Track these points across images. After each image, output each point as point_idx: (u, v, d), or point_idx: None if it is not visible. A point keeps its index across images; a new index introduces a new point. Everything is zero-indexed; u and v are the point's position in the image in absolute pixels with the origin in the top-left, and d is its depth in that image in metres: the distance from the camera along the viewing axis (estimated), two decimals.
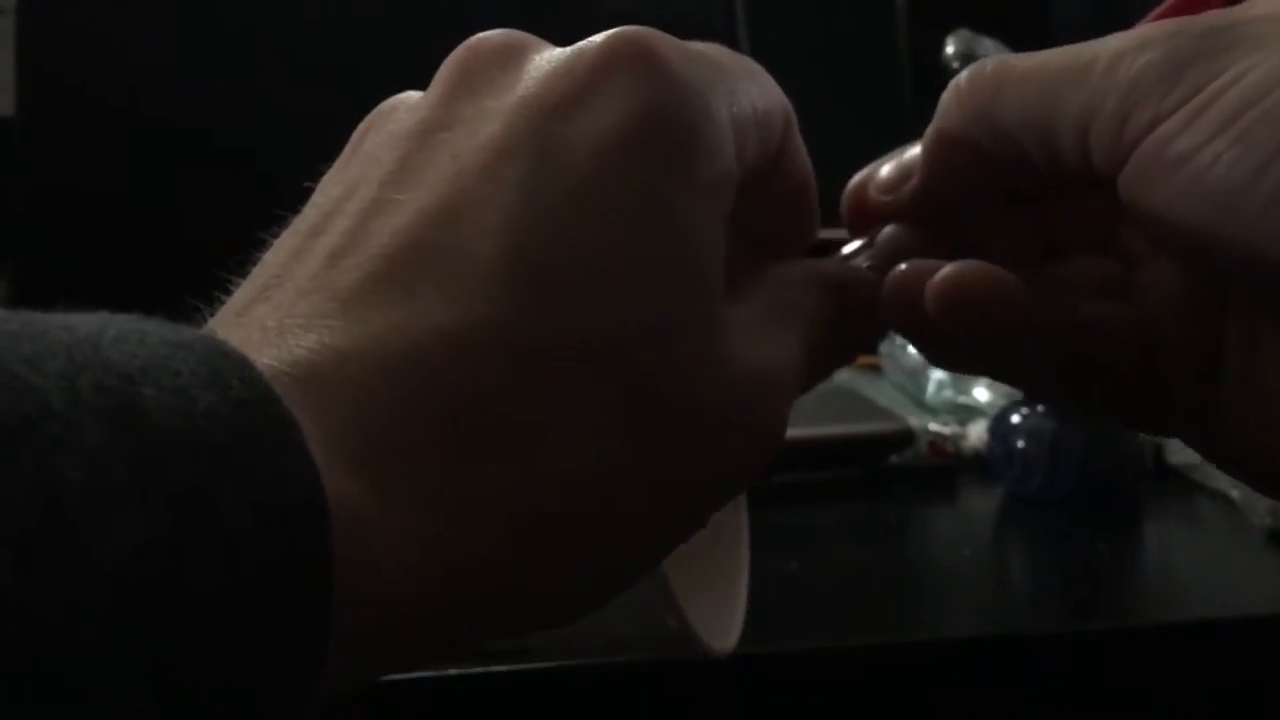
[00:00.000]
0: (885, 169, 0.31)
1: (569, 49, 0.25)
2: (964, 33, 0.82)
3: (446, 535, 0.21)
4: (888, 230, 0.31)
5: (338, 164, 0.26)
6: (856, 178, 0.32)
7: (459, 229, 0.22)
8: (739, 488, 0.26)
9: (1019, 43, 0.80)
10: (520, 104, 0.24)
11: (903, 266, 0.29)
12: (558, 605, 0.24)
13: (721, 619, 0.38)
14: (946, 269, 0.28)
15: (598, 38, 0.25)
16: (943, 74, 0.77)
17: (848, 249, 0.32)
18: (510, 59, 0.25)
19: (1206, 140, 0.24)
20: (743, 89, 0.26)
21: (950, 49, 0.82)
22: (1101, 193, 0.28)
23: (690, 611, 0.32)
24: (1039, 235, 0.31)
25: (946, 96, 0.29)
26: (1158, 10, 0.30)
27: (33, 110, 0.79)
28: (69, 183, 0.79)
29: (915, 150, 0.31)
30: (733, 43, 0.83)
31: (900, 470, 0.71)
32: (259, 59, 0.92)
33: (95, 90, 0.93)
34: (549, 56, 0.25)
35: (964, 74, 0.29)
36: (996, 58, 0.28)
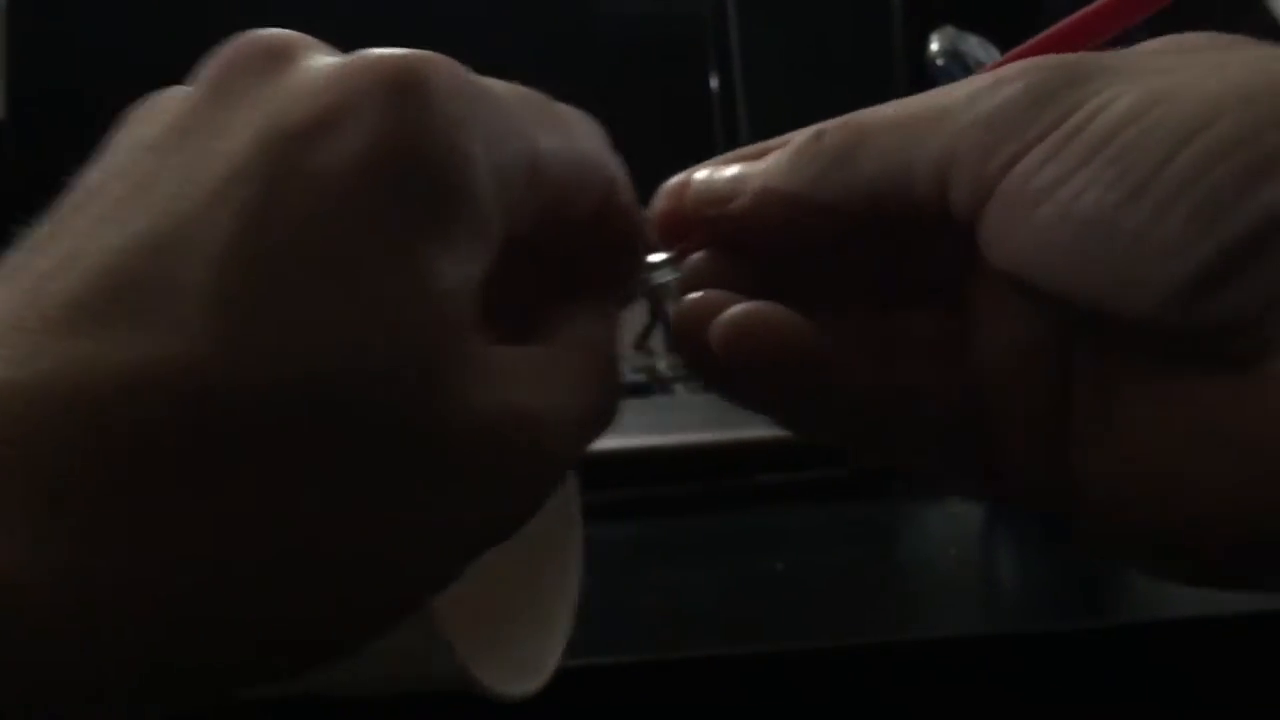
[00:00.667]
0: (712, 175, 0.29)
1: (335, 63, 0.23)
2: (949, 30, 0.82)
3: (118, 582, 0.19)
4: (699, 257, 0.29)
5: (93, 163, 0.24)
6: (675, 179, 0.30)
7: (173, 257, 0.21)
8: (498, 532, 0.24)
9: (1007, 39, 0.80)
10: (265, 121, 0.22)
11: (693, 297, 0.27)
12: (287, 654, 0.22)
13: (525, 657, 0.36)
14: (734, 310, 0.26)
15: (370, 55, 0.23)
16: (927, 71, 0.77)
17: (653, 258, 0.30)
18: (272, 66, 0.23)
19: (1074, 169, 0.23)
20: (517, 135, 0.24)
21: (935, 46, 0.82)
22: (949, 244, 0.27)
23: (474, 650, 0.30)
24: (877, 283, 0.29)
25: (797, 153, 0.27)
26: (1005, 57, 0.28)
27: (24, 113, 0.78)
28: (62, 185, 0.79)
29: (753, 165, 0.28)
30: (724, 40, 0.83)
31: (888, 469, 0.71)
32: None
33: (87, 92, 0.92)
34: (310, 70, 0.23)
35: (823, 130, 0.27)
36: (851, 115, 0.27)
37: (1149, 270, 0.22)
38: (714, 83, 0.82)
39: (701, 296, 0.27)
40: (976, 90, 0.25)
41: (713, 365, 0.27)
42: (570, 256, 0.28)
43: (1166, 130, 0.22)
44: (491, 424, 0.23)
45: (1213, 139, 0.22)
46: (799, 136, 0.28)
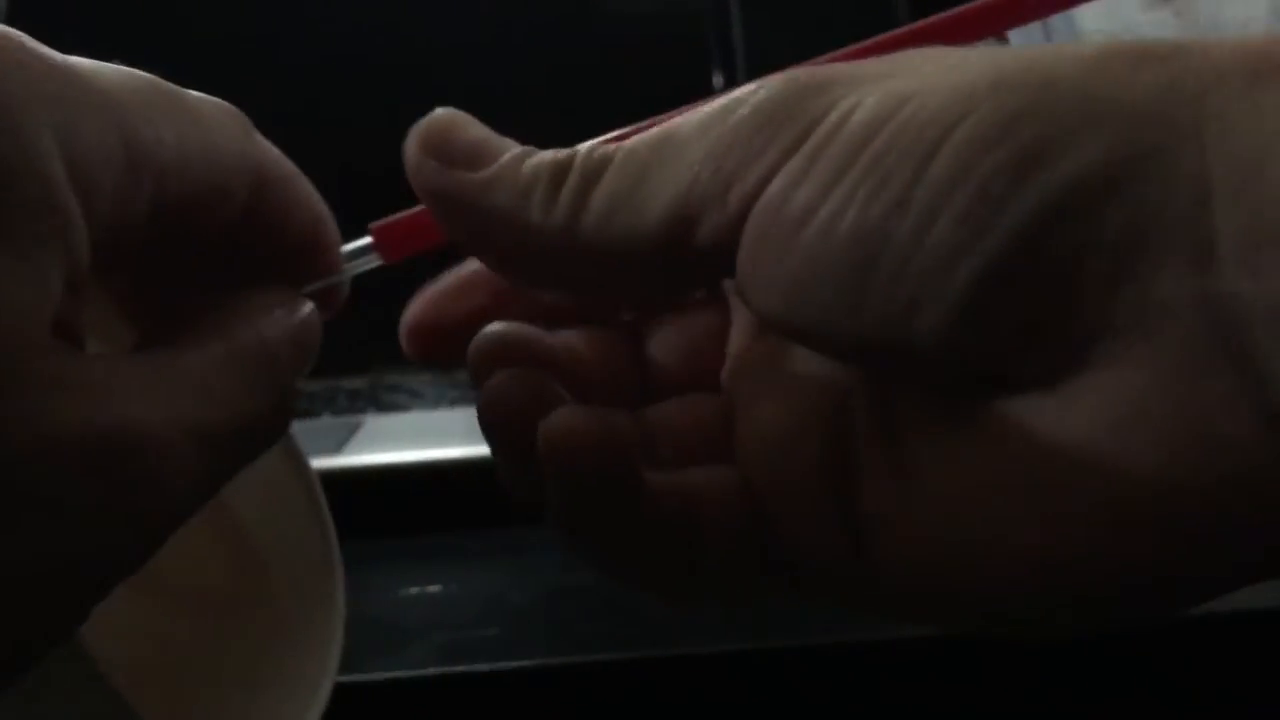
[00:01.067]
0: (457, 121, 0.25)
1: None
2: None
3: None
4: (493, 331, 0.26)
5: None
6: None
7: None
8: (112, 568, 0.21)
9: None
10: None
11: (499, 386, 0.24)
12: None
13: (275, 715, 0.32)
14: (556, 419, 0.23)
15: None
16: None
17: (350, 246, 0.26)
18: None
19: (830, 185, 0.21)
20: (108, 122, 0.21)
21: None
22: (706, 316, 0.25)
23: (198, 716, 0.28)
24: (640, 367, 0.27)
25: (534, 179, 0.24)
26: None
27: None
28: None
29: (502, 155, 0.25)
30: (726, 38, 0.83)
31: None
32: (250, 62, 0.92)
33: None
34: None
35: (568, 162, 0.24)
36: (608, 143, 0.24)
37: (923, 287, 0.20)
38: (717, 80, 0.82)
39: (511, 386, 0.24)
40: (707, 116, 0.23)
41: (526, 466, 0.24)
42: (228, 253, 0.25)
43: (919, 129, 0.20)
44: (68, 445, 0.19)
45: (970, 134, 0.20)
46: (542, 159, 0.24)
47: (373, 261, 0.26)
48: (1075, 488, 0.20)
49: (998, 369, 0.21)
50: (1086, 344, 0.20)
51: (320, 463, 0.68)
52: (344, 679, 0.47)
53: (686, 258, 0.23)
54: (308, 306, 0.25)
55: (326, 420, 0.80)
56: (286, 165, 0.25)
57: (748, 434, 0.25)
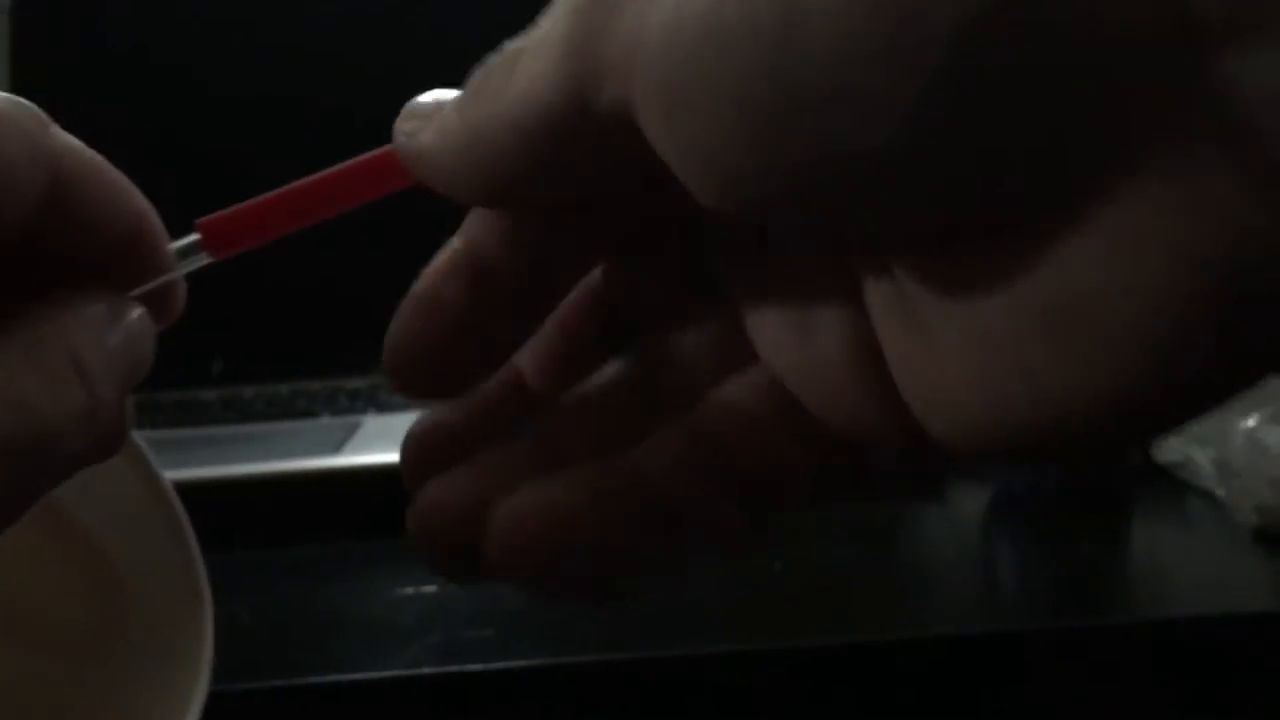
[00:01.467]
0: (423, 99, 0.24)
1: None
2: None
3: None
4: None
5: None
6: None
7: None
8: None
9: None
10: None
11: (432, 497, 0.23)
12: None
13: None
14: (504, 515, 0.22)
15: None
16: None
17: (177, 244, 0.25)
18: None
19: None
20: None
21: None
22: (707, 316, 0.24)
23: None
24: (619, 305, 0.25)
25: (461, 97, 0.22)
26: None
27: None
28: None
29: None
30: None
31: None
32: (256, 59, 0.92)
33: (91, 89, 0.92)
34: None
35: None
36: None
37: (866, 88, 0.16)
38: None
39: (440, 491, 0.23)
40: None
41: (466, 564, 0.23)
42: (35, 257, 0.23)
43: None
44: None
45: None
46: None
47: (203, 259, 0.25)
48: (1097, 320, 0.17)
49: (974, 195, 0.17)
50: (1086, 155, 0.16)
51: (320, 463, 0.68)
52: (341, 678, 0.47)
53: (594, 120, 0.20)
54: (134, 310, 0.23)
55: (326, 420, 0.80)
56: (93, 160, 0.23)
57: (764, 332, 0.23)
